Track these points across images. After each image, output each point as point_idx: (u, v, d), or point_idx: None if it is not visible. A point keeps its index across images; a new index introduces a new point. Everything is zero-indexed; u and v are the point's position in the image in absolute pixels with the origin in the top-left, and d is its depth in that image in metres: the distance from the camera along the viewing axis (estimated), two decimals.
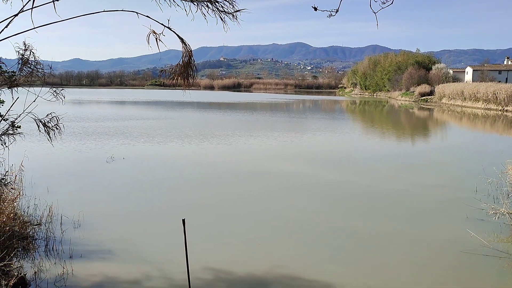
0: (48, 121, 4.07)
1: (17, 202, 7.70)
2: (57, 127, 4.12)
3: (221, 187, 11.33)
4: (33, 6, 3.85)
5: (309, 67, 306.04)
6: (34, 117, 3.98)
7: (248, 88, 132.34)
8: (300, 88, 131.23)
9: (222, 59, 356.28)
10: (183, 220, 5.28)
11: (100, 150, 16.46)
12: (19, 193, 7.74)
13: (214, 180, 12.13)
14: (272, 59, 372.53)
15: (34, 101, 4.04)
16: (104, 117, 30.01)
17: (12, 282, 5.47)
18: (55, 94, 4.11)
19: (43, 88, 4.13)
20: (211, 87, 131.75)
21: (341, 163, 15.12)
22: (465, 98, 51.72)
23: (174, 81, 4.20)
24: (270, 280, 6.01)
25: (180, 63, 4.11)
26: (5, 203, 6.82)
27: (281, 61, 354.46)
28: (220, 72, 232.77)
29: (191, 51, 4.03)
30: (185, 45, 3.99)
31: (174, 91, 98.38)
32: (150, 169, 13.37)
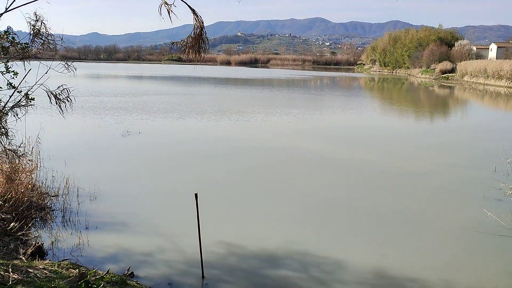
0: (59, 93, 4.06)
1: (34, 174, 7.84)
2: (69, 99, 4.11)
3: (237, 163, 11.34)
4: None
5: (328, 43, 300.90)
6: (46, 89, 3.97)
7: (265, 64, 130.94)
8: (318, 64, 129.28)
9: (239, 34, 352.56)
10: (196, 195, 5.31)
11: (117, 124, 16.59)
12: (37, 165, 7.87)
13: (231, 156, 12.15)
14: (290, 34, 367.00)
15: (46, 73, 4.04)
16: (121, 92, 30.15)
17: (30, 251, 5.62)
18: (67, 67, 4.09)
19: (55, 61, 4.12)
20: (228, 63, 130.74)
21: (358, 141, 14.94)
22: (488, 76, 50.31)
23: (185, 54, 4.12)
24: (282, 255, 6.04)
25: (192, 36, 4.03)
26: (22, 174, 6.95)
27: (299, 37, 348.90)
28: (237, 47, 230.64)
29: (202, 23, 3.94)
30: (197, 16, 3.90)
31: (190, 66, 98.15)
32: (166, 144, 13.46)
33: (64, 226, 6.88)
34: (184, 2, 3.75)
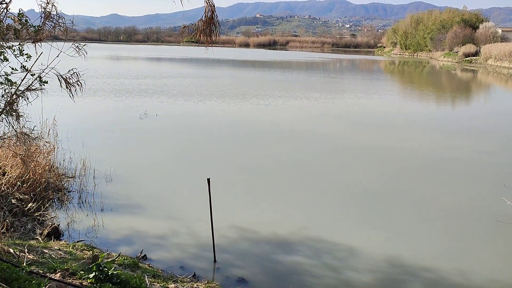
0: (69, 77, 4.05)
1: (51, 156, 7.95)
2: (79, 83, 4.10)
3: (254, 147, 11.32)
4: None
5: (348, 25, 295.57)
6: (56, 72, 3.97)
7: (284, 46, 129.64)
8: (338, 47, 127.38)
9: (258, 15, 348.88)
10: (208, 180, 5.31)
11: (135, 107, 16.67)
12: (54, 146, 7.99)
13: (248, 140, 12.12)
14: (310, 16, 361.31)
15: (57, 56, 4.03)
16: (140, 74, 30.20)
17: (46, 231, 5.73)
18: (77, 50, 4.07)
19: (67, 43, 4.10)
20: (247, 45, 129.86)
21: (377, 126, 14.72)
22: None
23: (196, 37, 4.05)
24: (294, 241, 6.02)
25: (203, 19, 3.96)
26: (39, 156, 7.05)
27: (319, 18, 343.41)
28: (256, 29, 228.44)
29: (213, 5, 3.86)
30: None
31: (210, 47, 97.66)
32: (183, 127, 13.50)
33: (80, 207, 6.98)
34: None
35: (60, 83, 4.01)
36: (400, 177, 9.16)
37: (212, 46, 4.11)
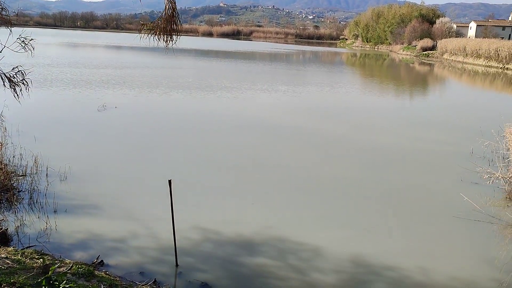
0: (13, 76, 3.70)
1: None
2: (24, 82, 3.75)
3: (219, 142, 11.07)
4: None
5: (311, 16, 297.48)
6: None
7: (247, 36, 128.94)
8: (301, 38, 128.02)
9: (221, 5, 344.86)
10: (169, 181, 5.07)
11: (93, 98, 15.99)
12: (0, 143, 7.46)
13: (211, 135, 11.85)
14: (274, 6, 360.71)
15: (0, 51, 3.66)
16: (100, 64, 29.06)
17: None
18: (24, 45, 3.72)
19: (11, 38, 3.73)
20: (210, 34, 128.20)
21: (339, 117, 14.83)
22: (466, 55, 50.70)
23: (156, 37, 3.79)
24: (259, 241, 5.89)
25: (163, 17, 3.70)
26: None
27: (283, 9, 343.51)
28: (220, 18, 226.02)
29: (175, 3, 3.61)
30: None
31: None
32: (144, 120, 13.07)
33: (31, 208, 6.56)
34: None
35: (4, 82, 3.65)
36: (359, 171, 9.22)
37: (173, 45, 3.85)
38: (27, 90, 3.75)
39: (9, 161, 8.31)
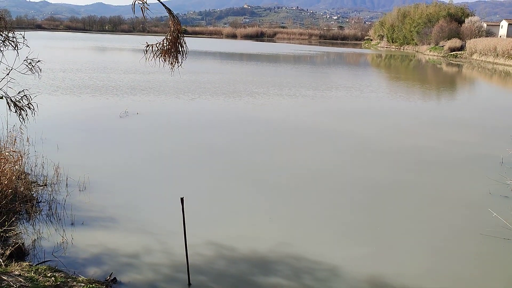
0: (18, 100, 3.67)
1: (18, 164, 7.49)
2: (30, 106, 3.72)
3: (241, 151, 10.97)
4: None
5: (335, 17, 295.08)
6: (4, 93, 3.59)
7: (271, 37, 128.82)
8: (325, 39, 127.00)
9: (245, 6, 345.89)
10: (182, 199, 4.99)
11: (118, 104, 16.09)
12: (21, 155, 7.55)
13: (234, 142, 11.75)
14: (298, 7, 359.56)
15: (7, 75, 3.64)
16: (127, 69, 29.31)
17: (8, 251, 5.35)
18: (30, 67, 3.69)
19: (18, 59, 3.70)
20: (234, 36, 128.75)
21: (367, 122, 14.50)
22: (497, 55, 49.11)
23: (161, 59, 3.71)
24: (274, 259, 5.73)
25: (168, 38, 3.61)
26: (5, 166, 6.63)
27: (307, 10, 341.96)
28: (244, 20, 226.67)
29: (179, 25, 3.51)
30: (173, 18, 3.47)
31: (197, 39, 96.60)
32: (165, 128, 13.08)
33: (50, 220, 6.60)
34: (161, 3, 3.33)
35: (9, 106, 3.62)
36: (382, 184, 8.93)
37: (178, 67, 3.76)
38: (33, 115, 3.72)
39: (31, 170, 8.44)
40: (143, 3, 3.46)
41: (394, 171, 9.69)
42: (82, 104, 16.04)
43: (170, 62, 3.74)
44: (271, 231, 6.57)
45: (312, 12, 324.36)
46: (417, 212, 7.52)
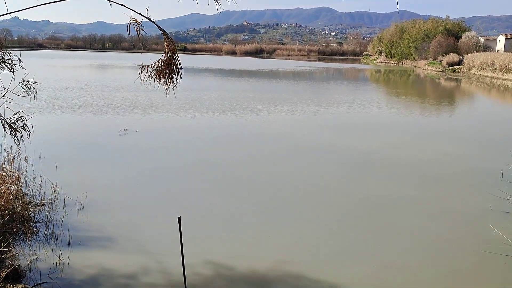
0: (14, 122, 3.67)
1: (15, 185, 7.46)
2: (25, 127, 3.72)
3: (238, 169, 10.94)
4: None
5: (334, 33, 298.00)
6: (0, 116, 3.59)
7: (270, 54, 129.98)
8: (324, 55, 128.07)
9: (245, 23, 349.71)
10: (179, 218, 4.94)
11: (119, 122, 16.11)
12: (18, 175, 7.52)
13: (231, 162, 11.71)
14: (296, 24, 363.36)
15: (3, 96, 3.64)
16: (127, 86, 29.31)
17: (4, 273, 5.28)
18: (26, 89, 3.70)
19: (14, 81, 3.72)
20: (233, 53, 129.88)
21: (368, 137, 14.49)
22: (495, 69, 49.40)
23: (156, 79, 3.72)
24: (273, 278, 5.66)
25: (163, 59, 3.62)
26: (2, 186, 6.60)
27: (305, 26, 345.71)
28: (243, 37, 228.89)
29: (174, 45, 3.54)
30: (168, 38, 3.49)
31: (196, 56, 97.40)
32: (164, 145, 13.05)
33: (46, 241, 6.53)
34: (155, 24, 3.36)
35: (4, 128, 3.62)
36: (382, 199, 8.87)
37: (173, 88, 3.76)
38: (28, 136, 3.71)
39: (29, 190, 8.41)
40: (137, 24, 3.49)
41: (395, 186, 9.64)
42: (82, 122, 16.07)
43: (165, 82, 3.75)
44: (270, 249, 6.50)
45: (311, 29, 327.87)
46: (417, 228, 7.45)
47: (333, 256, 6.43)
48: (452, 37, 67.13)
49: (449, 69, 59.25)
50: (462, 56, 60.49)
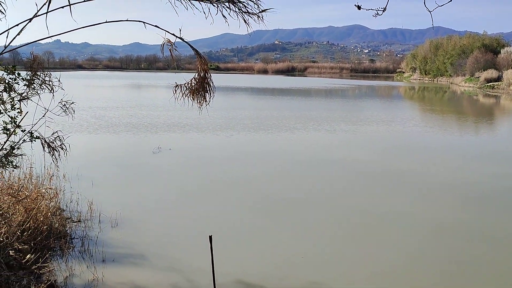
0: (52, 141, 3.80)
1: (53, 201, 7.70)
2: (63, 146, 3.84)
3: (273, 187, 10.89)
4: (48, 11, 3.57)
5: (366, 50, 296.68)
6: (40, 135, 3.73)
7: (302, 72, 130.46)
8: (356, 72, 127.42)
9: (276, 42, 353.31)
10: (210, 237, 4.93)
11: (155, 141, 16.37)
12: (56, 192, 7.76)
13: (266, 179, 11.69)
14: (328, 42, 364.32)
15: (43, 116, 3.79)
16: (163, 106, 29.87)
17: None
18: (65, 109, 3.84)
19: (53, 101, 3.87)
20: (265, 71, 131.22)
21: (408, 154, 14.17)
22: None
23: (189, 98, 3.78)
24: None
25: (196, 78, 3.68)
26: (42, 203, 6.81)
27: (337, 44, 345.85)
28: (275, 55, 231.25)
29: (207, 65, 3.59)
30: (200, 58, 3.56)
31: (229, 75, 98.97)
32: (198, 163, 13.18)
33: (82, 257, 6.66)
34: (188, 44, 3.44)
35: (43, 147, 3.75)
36: (430, 224, 8.58)
37: (206, 105, 3.81)
38: (65, 155, 3.82)
39: (66, 206, 8.64)
40: (171, 44, 3.57)
41: (439, 208, 9.32)
42: (118, 141, 16.49)
43: (198, 101, 3.80)
44: (303, 269, 6.38)
45: (343, 46, 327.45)
46: (465, 252, 7.14)
47: (373, 278, 6.23)
48: (490, 53, 65.46)
49: (487, 85, 57.58)
50: (501, 72, 58.73)
